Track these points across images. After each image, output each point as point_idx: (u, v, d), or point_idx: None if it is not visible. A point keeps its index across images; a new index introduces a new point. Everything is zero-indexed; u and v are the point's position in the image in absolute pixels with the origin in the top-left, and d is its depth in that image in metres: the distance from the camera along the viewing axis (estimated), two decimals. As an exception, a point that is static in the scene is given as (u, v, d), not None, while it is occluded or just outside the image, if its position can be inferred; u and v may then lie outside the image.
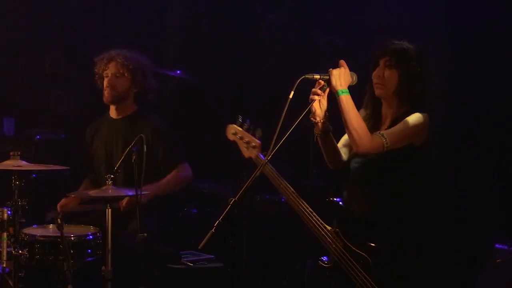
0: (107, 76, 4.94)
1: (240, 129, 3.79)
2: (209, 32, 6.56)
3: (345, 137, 3.83)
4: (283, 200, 5.72)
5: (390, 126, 3.66)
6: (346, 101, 3.54)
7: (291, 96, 3.31)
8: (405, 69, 3.66)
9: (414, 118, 3.61)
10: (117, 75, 4.92)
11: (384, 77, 3.68)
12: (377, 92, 3.72)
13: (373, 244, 3.53)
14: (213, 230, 3.11)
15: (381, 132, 3.59)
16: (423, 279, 3.63)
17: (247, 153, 3.78)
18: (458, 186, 5.31)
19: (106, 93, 4.95)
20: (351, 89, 3.67)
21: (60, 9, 6.64)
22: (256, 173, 3.25)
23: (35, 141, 6.27)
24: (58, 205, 4.87)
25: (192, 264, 5.02)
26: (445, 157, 4.85)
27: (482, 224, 5.32)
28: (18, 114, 6.47)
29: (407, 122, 3.60)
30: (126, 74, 4.91)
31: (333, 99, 3.63)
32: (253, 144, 3.76)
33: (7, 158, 4.36)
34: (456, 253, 5.40)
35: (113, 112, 5.05)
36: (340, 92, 3.53)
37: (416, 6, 5.64)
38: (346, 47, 5.83)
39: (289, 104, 3.29)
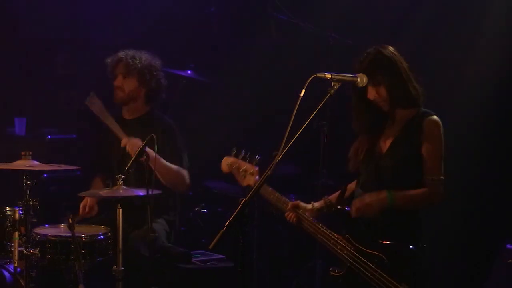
0: (116, 77, 4.96)
1: (235, 159, 3.80)
2: (219, 32, 6.56)
3: None
4: (293, 200, 5.72)
5: (402, 129, 3.67)
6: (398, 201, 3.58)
7: (302, 94, 3.31)
8: (388, 82, 3.63)
9: (436, 135, 3.62)
10: (125, 75, 4.94)
11: (378, 95, 3.66)
12: (384, 109, 3.71)
13: (387, 242, 3.54)
14: (223, 230, 3.12)
15: (432, 178, 3.58)
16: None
17: (244, 181, 3.80)
18: (469, 186, 5.30)
19: (115, 93, 4.98)
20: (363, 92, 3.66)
21: (71, 9, 6.66)
22: (266, 173, 3.24)
23: (47, 141, 6.29)
24: (81, 208, 4.86)
25: (202, 264, 5.02)
26: (456, 158, 4.83)
27: (494, 225, 5.31)
28: (30, 114, 6.49)
29: (437, 149, 3.61)
30: (132, 74, 4.93)
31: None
32: (251, 171, 3.77)
33: (19, 158, 4.37)
34: (468, 253, 5.39)
35: (125, 113, 5.06)
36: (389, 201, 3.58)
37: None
38: (355, 47, 5.83)
39: (300, 103, 3.29)
